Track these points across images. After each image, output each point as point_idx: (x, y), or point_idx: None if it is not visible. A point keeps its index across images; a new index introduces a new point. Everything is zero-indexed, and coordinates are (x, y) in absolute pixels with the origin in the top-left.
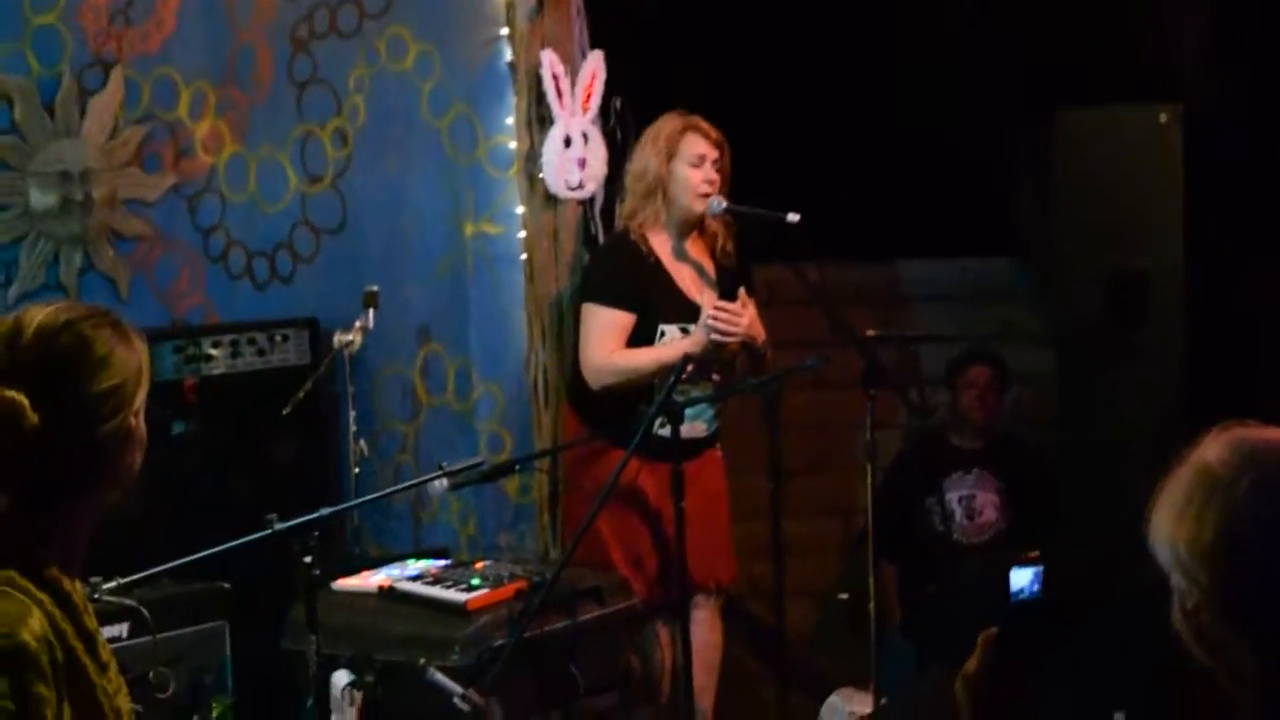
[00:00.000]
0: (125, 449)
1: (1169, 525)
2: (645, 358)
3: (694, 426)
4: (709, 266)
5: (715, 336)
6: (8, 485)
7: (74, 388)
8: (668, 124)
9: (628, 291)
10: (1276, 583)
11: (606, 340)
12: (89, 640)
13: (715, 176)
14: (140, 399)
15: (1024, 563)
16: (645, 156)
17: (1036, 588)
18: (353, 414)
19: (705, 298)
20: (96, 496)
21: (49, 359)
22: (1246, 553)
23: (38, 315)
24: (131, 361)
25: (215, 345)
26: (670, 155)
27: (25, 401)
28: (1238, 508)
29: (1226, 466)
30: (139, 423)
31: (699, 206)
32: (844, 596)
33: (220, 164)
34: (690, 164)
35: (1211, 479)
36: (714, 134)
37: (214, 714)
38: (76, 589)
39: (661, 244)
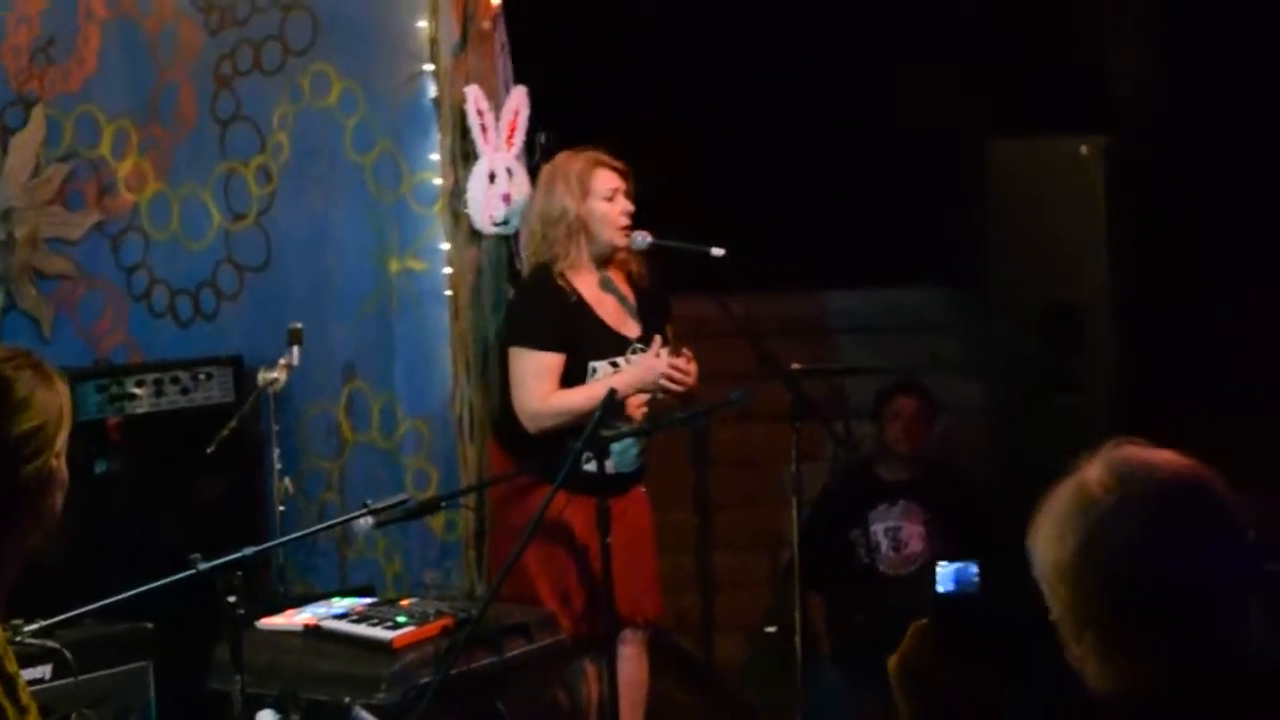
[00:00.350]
0: (47, 490)
1: (1039, 539)
2: (580, 397)
3: (623, 459)
4: (629, 295)
5: (668, 386)
6: None
7: None
8: (573, 163)
9: (555, 332)
10: (1130, 601)
11: (542, 383)
12: (8, 683)
13: (629, 207)
14: (62, 440)
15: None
16: (557, 198)
17: (959, 581)
18: (277, 452)
19: (628, 328)
20: (18, 539)
21: None
22: (1105, 569)
23: None
24: (53, 403)
25: (139, 384)
26: (585, 194)
27: None
28: (1101, 525)
29: (1098, 485)
30: (60, 464)
31: (620, 240)
32: (771, 630)
33: (143, 202)
34: (605, 199)
35: (1082, 496)
36: (619, 165)
37: None
38: None
39: (582, 281)
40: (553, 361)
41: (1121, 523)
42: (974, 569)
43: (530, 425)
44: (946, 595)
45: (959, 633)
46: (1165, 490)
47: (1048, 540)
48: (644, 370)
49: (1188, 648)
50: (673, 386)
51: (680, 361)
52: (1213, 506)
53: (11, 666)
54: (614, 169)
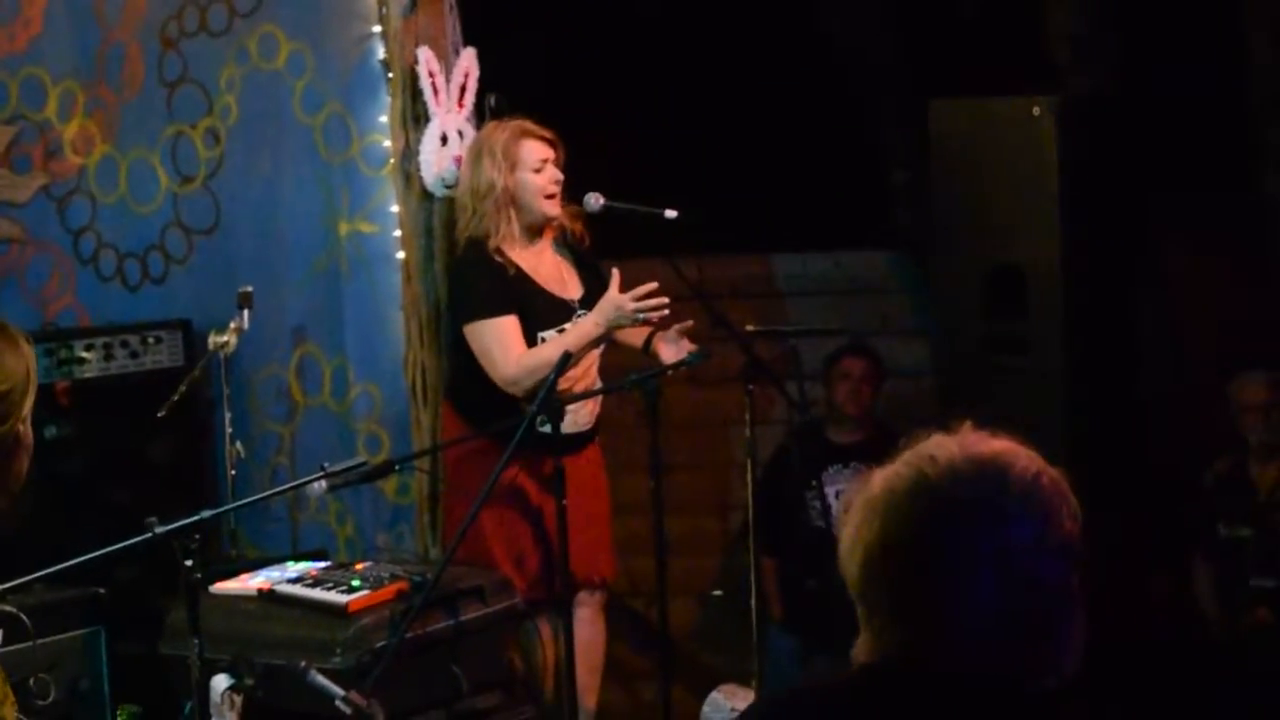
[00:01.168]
0: (13, 455)
1: (848, 536)
2: (552, 349)
3: (576, 418)
4: (566, 258)
5: (648, 317)
6: None
7: None
8: (499, 134)
9: (504, 297)
10: (874, 577)
11: (509, 348)
12: None
13: (559, 176)
14: (28, 405)
15: None
16: (484, 172)
17: None
18: (228, 416)
19: (570, 290)
20: None
21: None
22: (865, 548)
23: None
24: (19, 367)
25: (88, 348)
26: (512, 166)
27: None
28: (882, 516)
29: (885, 474)
30: (26, 429)
31: (551, 209)
32: (718, 594)
33: (90, 165)
34: (533, 170)
35: (868, 487)
36: (547, 134)
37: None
38: None
39: (516, 252)
40: (512, 324)
41: (889, 520)
42: None
43: (516, 390)
44: None
45: None
46: (935, 490)
47: (843, 527)
48: (611, 307)
49: (920, 629)
50: (651, 315)
51: (642, 290)
52: (986, 508)
53: None
54: (541, 138)
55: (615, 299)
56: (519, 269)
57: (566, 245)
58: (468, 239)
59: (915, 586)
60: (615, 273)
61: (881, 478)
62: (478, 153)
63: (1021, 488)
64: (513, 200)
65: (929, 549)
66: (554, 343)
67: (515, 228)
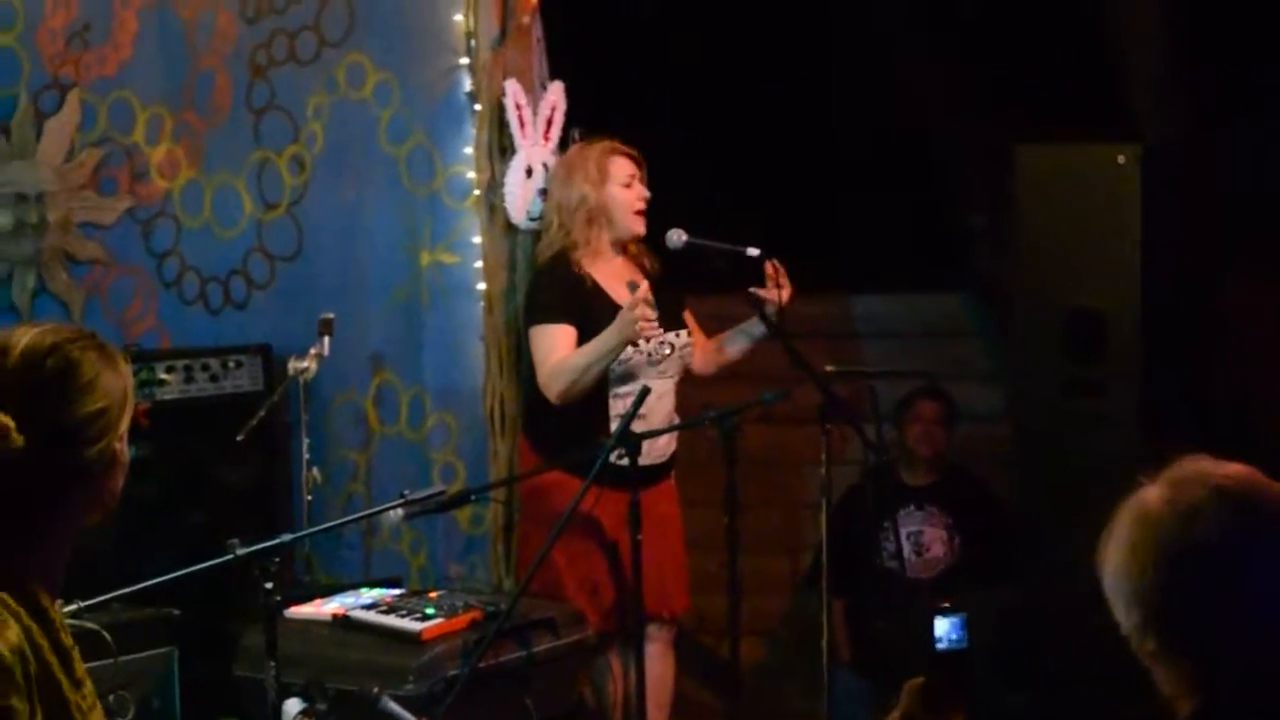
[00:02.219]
0: (109, 473)
1: (1106, 555)
2: (583, 353)
3: (651, 446)
4: (640, 280)
5: (645, 328)
6: None
7: (60, 411)
8: (589, 152)
9: (568, 307)
10: (1209, 603)
11: (555, 353)
12: (65, 656)
13: (645, 193)
14: (125, 423)
15: (945, 611)
16: (575, 187)
17: (957, 636)
18: (306, 441)
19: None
20: (79, 519)
21: (35, 382)
22: (1165, 579)
23: (24, 336)
24: (117, 386)
25: (169, 370)
26: (603, 179)
27: (11, 424)
28: (1160, 538)
29: (1158, 499)
30: (123, 446)
31: (638, 225)
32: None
33: (176, 189)
34: (622, 184)
35: (1142, 511)
36: (633, 152)
37: None
38: (54, 608)
39: (598, 267)
40: (566, 333)
41: (1174, 530)
42: (962, 623)
43: (550, 394)
44: (942, 653)
45: (950, 688)
46: (1221, 499)
47: (1110, 553)
48: (621, 323)
49: (1253, 657)
50: (647, 326)
51: (637, 296)
52: (1267, 518)
53: (67, 640)
54: (629, 156)
55: (624, 315)
56: (596, 283)
57: (643, 274)
58: (554, 252)
59: (1238, 593)
60: (644, 285)
61: (1162, 499)
62: (568, 169)
63: None
64: (603, 213)
65: (1256, 557)
66: (578, 351)
67: (603, 241)
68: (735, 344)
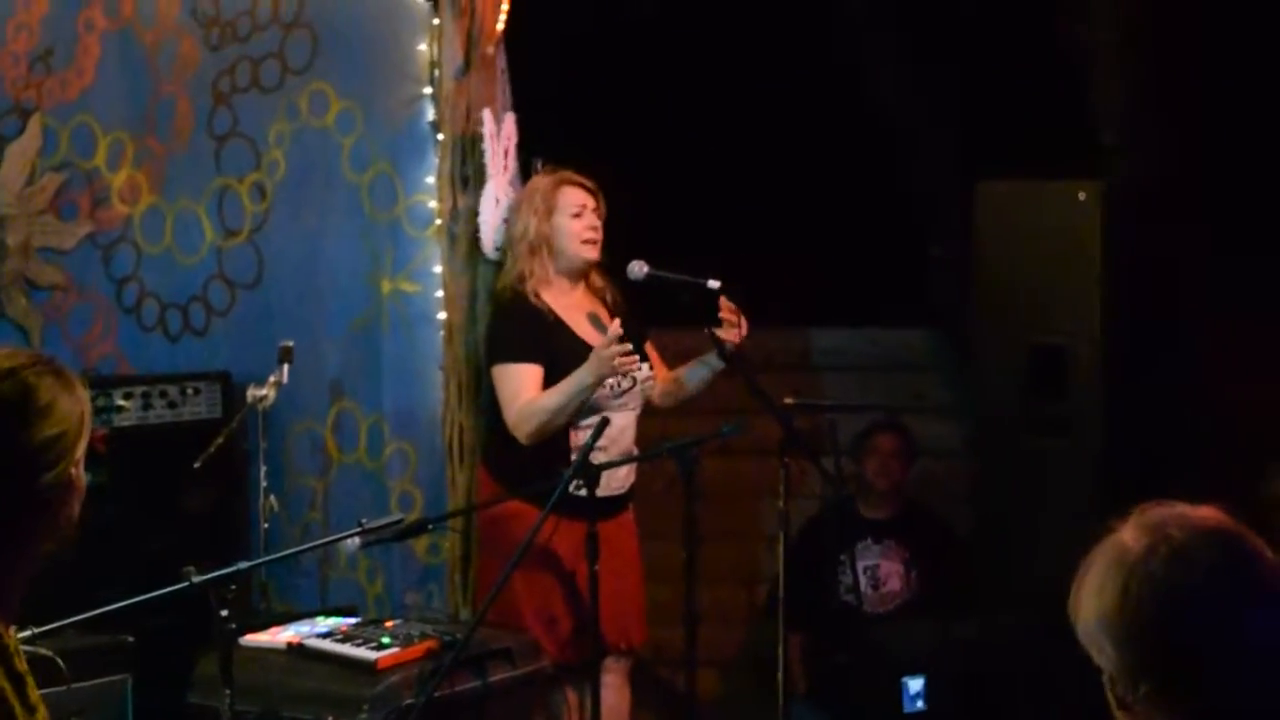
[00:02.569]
0: (66, 499)
1: (1081, 600)
2: (556, 393)
3: (609, 478)
4: (602, 313)
5: (621, 366)
6: None
7: (15, 437)
8: (540, 183)
9: (531, 346)
10: (1189, 649)
11: (522, 394)
12: (18, 682)
13: (597, 223)
14: (81, 448)
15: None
16: (524, 217)
17: (920, 703)
18: (264, 469)
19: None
20: (35, 545)
21: None
22: (1151, 619)
23: None
24: (74, 411)
25: (127, 397)
26: (549, 211)
27: None
28: (1140, 576)
29: (1138, 542)
30: (79, 472)
31: (587, 252)
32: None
33: (137, 215)
34: (572, 214)
35: (1123, 554)
36: (588, 183)
37: None
38: (9, 634)
39: (555, 299)
40: (534, 371)
41: (1169, 574)
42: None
43: (519, 435)
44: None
45: None
46: (1203, 540)
47: (1089, 598)
48: (597, 363)
49: (1237, 697)
50: (617, 358)
51: (611, 334)
52: (1249, 557)
53: (21, 666)
54: (581, 186)
55: (600, 353)
56: (557, 316)
57: (606, 307)
58: (505, 285)
59: (1220, 636)
60: (614, 322)
61: (1139, 541)
62: (520, 201)
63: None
64: (547, 243)
65: (1236, 596)
66: (550, 392)
67: (548, 271)
68: (695, 377)
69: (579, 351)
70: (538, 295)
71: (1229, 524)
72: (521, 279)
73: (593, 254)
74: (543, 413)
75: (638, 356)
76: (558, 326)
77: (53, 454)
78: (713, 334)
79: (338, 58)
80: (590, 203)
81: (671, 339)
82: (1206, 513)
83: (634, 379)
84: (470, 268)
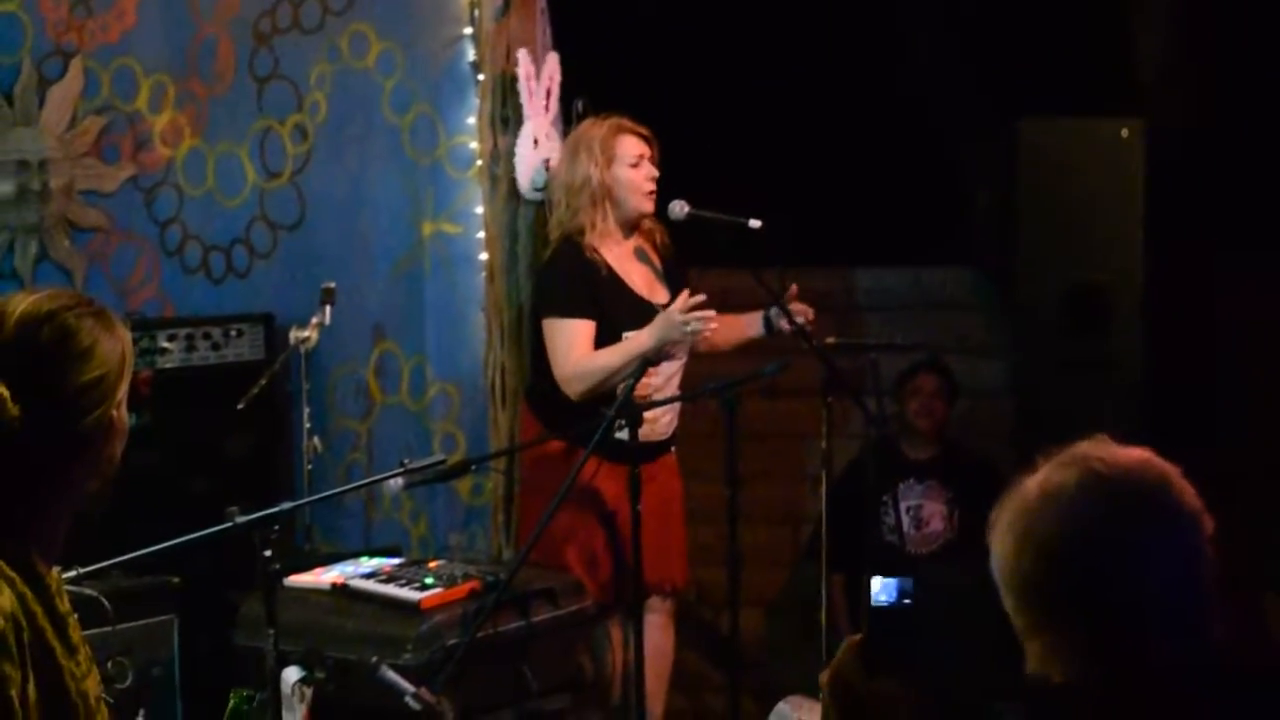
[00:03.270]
0: (107, 440)
1: (993, 537)
2: (613, 354)
3: (655, 427)
4: (657, 263)
5: (696, 329)
6: None
7: (57, 379)
8: (596, 130)
9: (585, 300)
10: (1066, 593)
11: (575, 350)
12: (59, 623)
13: (655, 173)
14: (123, 390)
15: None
16: (580, 166)
17: (892, 596)
18: (307, 410)
19: (658, 295)
20: (78, 486)
21: (31, 350)
22: (1045, 563)
23: (20, 304)
24: (115, 352)
25: (170, 339)
26: (610, 160)
27: (6, 393)
28: (1041, 518)
29: (1044, 481)
30: (121, 414)
31: (646, 206)
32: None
33: (179, 157)
34: (630, 165)
35: (1026, 492)
36: (644, 131)
37: (230, 704)
38: (52, 574)
39: (610, 250)
40: (585, 328)
41: (1063, 516)
42: (909, 584)
43: (569, 391)
44: (880, 608)
45: (889, 646)
46: (1109, 486)
47: (998, 537)
48: (665, 324)
49: (1127, 643)
50: (700, 327)
51: (695, 300)
52: (1158, 504)
53: (64, 607)
54: (638, 135)
55: (669, 313)
56: (610, 269)
57: (655, 251)
58: (562, 235)
59: (1102, 582)
60: (685, 293)
61: (1038, 484)
62: (574, 147)
63: (1184, 489)
64: (609, 195)
65: (1120, 544)
66: (607, 352)
67: (610, 223)
68: (741, 333)
69: (631, 304)
70: (592, 246)
71: (1140, 469)
72: (582, 231)
73: (650, 206)
74: (598, 373)
75: (713, 314)
76: (611, 280)
77: (94, 396)
78: (772, 317)
79: None
80: (647, 151)
81: (713, 280)
82: (1122, 455)
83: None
84: (511, 208)
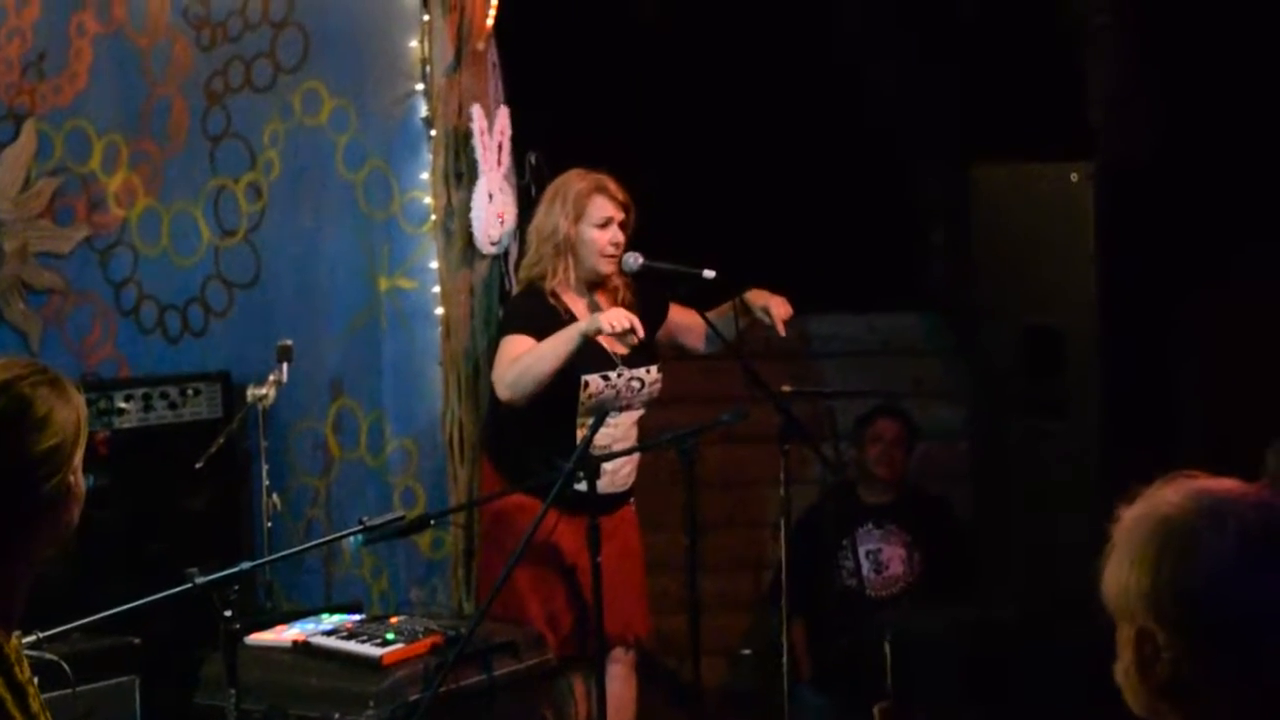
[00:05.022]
0: (64, 506)
1: (1126, 574)
2: (535, 355)
3: (615, 479)
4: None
5: (608, 327)
6: None
7: (13, 449)
8: (575, 184)
9: (539, 325)
10: (1246, 621)
11: (512, 355)
12: (19, 692)
13: (621, 238)
14: (79, 456)
15: None
16: (553, 216)
17: None
18: (265, 468)
19: (617, 348)
20: (35, 553)
21: None
22: (1214, 591)
23: None
24: (70, 419)
25: (127, 399)
26: (578, 217)
27: None
28: (1201, 549)
29: (1183, 511)
30: (77, 479)
31: (605, 267)
32: (747, 652)
33: (133, 217)
34: (597, 225)
35: (1169, 525)
36: (621, 196)
37: None
38: (11, 642)
39: (573, 300)
40: (525, 342)
41: (1220, 544)
42: None
43: (503, 389)
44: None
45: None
46: (1254, 514)
47: (1130, 566)
48: (589, 320)
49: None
50: (621, 323)
51: (620, 312)
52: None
53: (23, 675)
54: (613, 198)
55: (595, 314)
56: (572, 315)
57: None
58: (528, 278)
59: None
60: (622, 347)
61: (1178, 513)
62: (553, 195)
63: None
64: (572, 249)
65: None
66: (537, 347)
67: (570, 276)
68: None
69: (589, 350)
70: (555, 293)
71: (1252, 490)
72: (543, 277)
73: (610, 268)
74: (523, 363)
75: (631, 324)
76: (569, 323)
77: (52, 464)
78: (743, 305)
79: (329, 56)
80: (618, 215)
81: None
82: (1249, 487)
83: (641, 380)
84: (466, 263)
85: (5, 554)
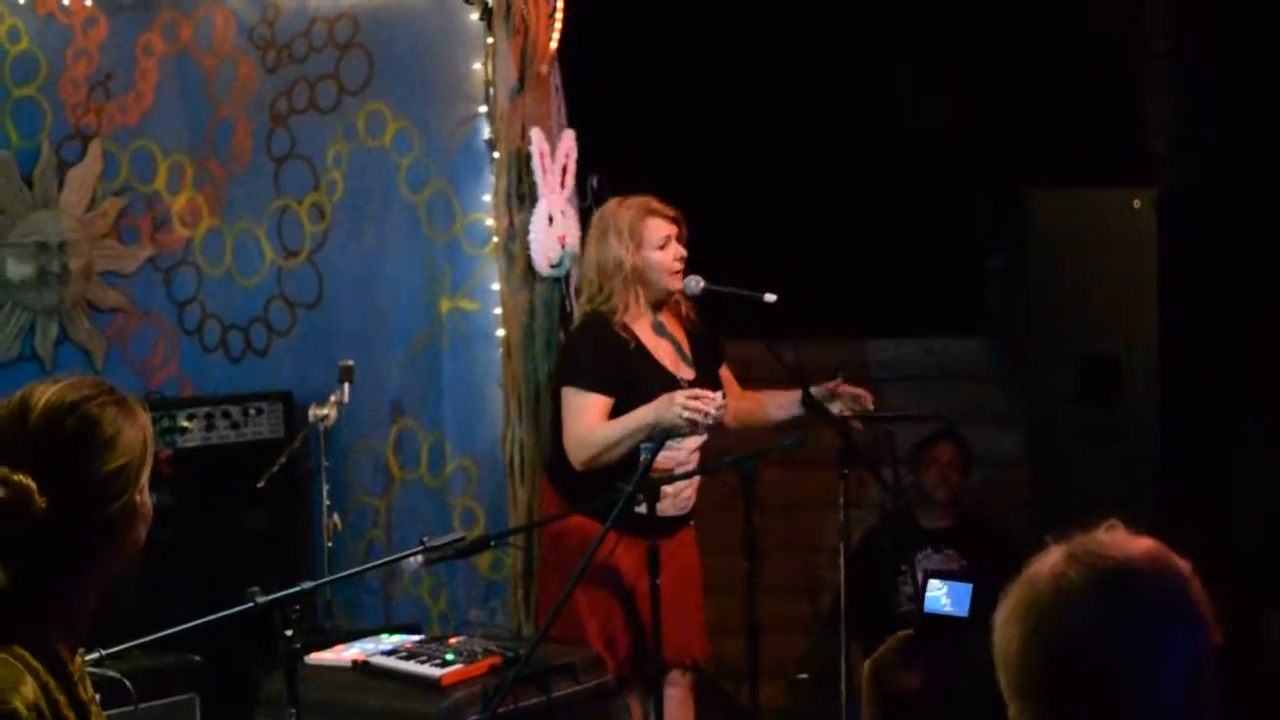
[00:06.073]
0: (131, 526)
1: (996, 624)
2: (615, 428)
3: (675, 502)
4: (682, 338)
5: (688, 416)
6: (13, 564)
7: (82, 470)
8: (624, 214)
9: (608, 376)
10: (1065, 683)
11: (584, 420)
12: (82, 711)
13: (682, 251)
14: (145, 475)
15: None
16: (611, 250)
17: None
18: (326, 488)
19: (682, 370)
20: (102, 573)
21: (57, 442)
22: (1045, 652)
23: (44, 395)
24: (137, 439)
25: (190, 418)
26: (639, 244)
27: (33, 485)
28: (1045, 608)
29: (1050, 570)
30: (144, 498)
31: (675, 284)
32: (803, 676)
33: (197, 237)
34: (658, 247)
35: (1033, 581)
36: (670, 211)
37: None
38: (76, 661)
39: (640, 325)
40: (602, 403)
41: (1065, 607)
42: (967, 590)
43: (575, 460)
44: (932, 614)
45: (933, 645)
46: (1112, 576)
47: (999, 625)
48: (665, 405)
49: None
50: (696, 416)
51: (697, 391)
52: (1161, 596)
53: (86, 694)
54: (665, 216)
55: (671, 395)
56: (639, 342)
57: (680, 323)
58: (592, 309)
59: (1109, 684)
60: (688, 369)
61: (1048, 575)
62: (604, 230)
63: (1197, 590)
64: (640, 277)
65: (1125, 645)
66: (610, 424)
67: (641, 303)
68: (778, 415)
69: (659, 377)
70: (623, 324)
71: (1151, 564)
72: (615, 310)
73: (679, 284)
74: (599, 444)
75: (711, 411)
76: (639, 353)
77: (118, 484)
78: (812, 399)
79: (393, 78)
80: (674, 231)
81: (729, 351)
82: (1133, 548)
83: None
84: (528, 285)
85: (74, 574)
